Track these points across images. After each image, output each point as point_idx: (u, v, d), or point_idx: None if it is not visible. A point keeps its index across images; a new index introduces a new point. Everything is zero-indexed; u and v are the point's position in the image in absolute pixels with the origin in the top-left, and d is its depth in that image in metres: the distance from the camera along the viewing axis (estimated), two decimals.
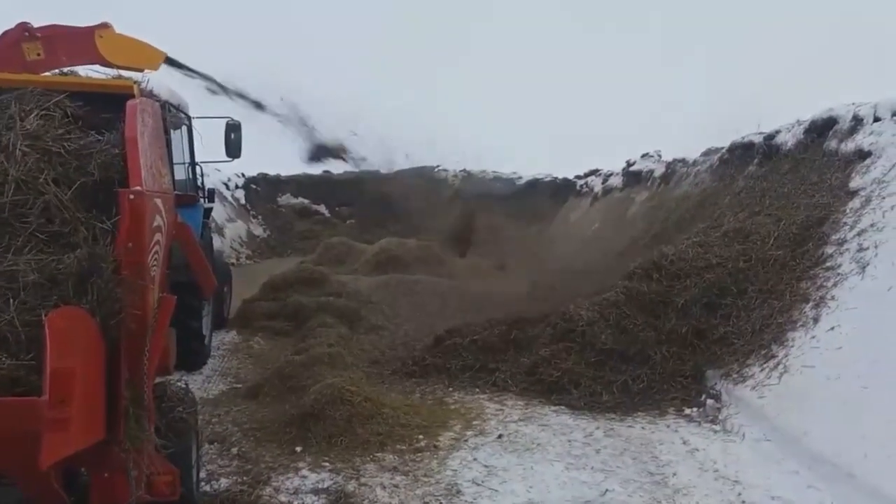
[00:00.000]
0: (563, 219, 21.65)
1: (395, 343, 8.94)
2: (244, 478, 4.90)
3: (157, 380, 3.69)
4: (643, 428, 6.05)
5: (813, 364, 5.67)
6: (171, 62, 8.07)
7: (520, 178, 26.38)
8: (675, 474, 5.05)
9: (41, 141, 3.34)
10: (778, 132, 10.17)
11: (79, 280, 2.83)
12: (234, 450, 5.43)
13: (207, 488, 4.65)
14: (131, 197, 2.98)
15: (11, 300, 2.69)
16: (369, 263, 14.19)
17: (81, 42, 7.18)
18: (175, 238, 4.16)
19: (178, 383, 4.16)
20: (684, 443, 5.66)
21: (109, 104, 3.92)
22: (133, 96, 4.07)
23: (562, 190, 24.56)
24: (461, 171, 27.01)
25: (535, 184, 25.64)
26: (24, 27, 6.96)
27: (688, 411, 6.36)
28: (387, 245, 14.89)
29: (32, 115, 3.51)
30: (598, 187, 20.47)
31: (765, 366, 6.17)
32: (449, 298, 11.24)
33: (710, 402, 6.37)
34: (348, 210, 26.59)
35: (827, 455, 4.78)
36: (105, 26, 7.35)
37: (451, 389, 7.14)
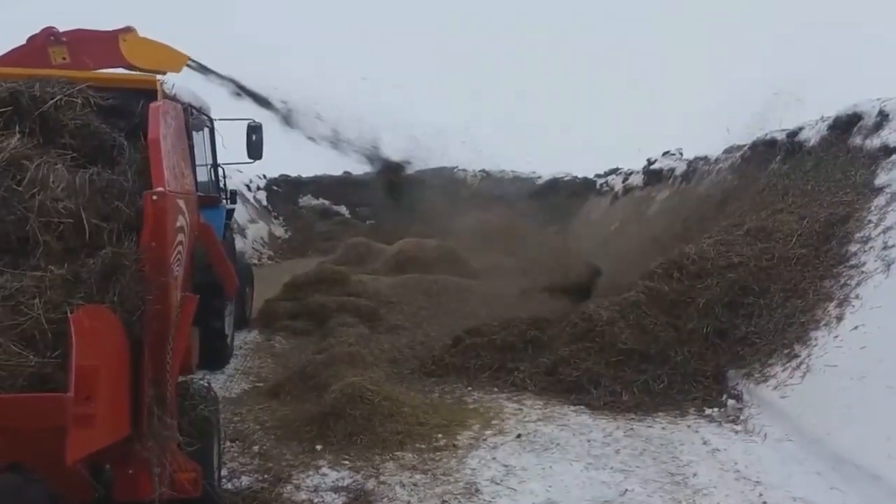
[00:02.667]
0: (584, 218, 21.57)
1: (414, 343, 8.97)
2: (265, 475, 4.94)
3: (181, 378, 3.74)
4: (663, 428, 6.02)
5: (836, 364, 5.61)
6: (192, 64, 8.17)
7: (539, 177, 26.32)
8: (695, 475, 5.01)
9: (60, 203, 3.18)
10: (801, 129, 10.05)
11: (102, 278, 2.88)
12: (256, 448, 5.49)
13: (229, 485, 4.70)
14: (154, 197, 3.03)
15: (38, 299, 2.74)
16: (389, 263, 14.24)
17: (106, 46, 7.30)
18: (198, 239, 4.21)
19: (201, 382, 4.22)
20: (705, 443, 5.62)
21: (133, 100, 3.98)
22: (156, 92, 4.12)
23: (582, 189, 24.48)
24: (480, 171, 27.01)
25: (554, 183, 25.57)
26: (49, 32, 7.09)
27: (709, 411, 6.32)
28: (406, 245, 14.93)
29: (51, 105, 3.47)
30: (618, 186, 20.39)
31: (787, 365, 6.11)
32: (468, 298, 11.24)
33: (731, 402, 6.32)
34: (368, 210, 26.70)
35: (850, 456, 4.71)
36: (129, 30, 7.47)
37: (470, 389, 7.15)
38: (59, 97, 3.67)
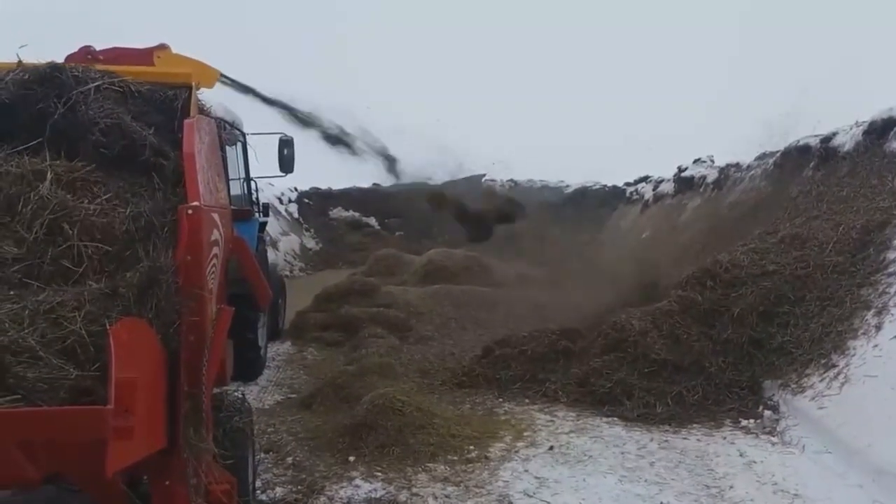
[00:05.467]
0: (614, 227, 21.42)
1: (444, 353, 8.98)
2: (299, 486, 4.98)
3: (215, 390, 3.78)
4: (698, 440, 5.94)
5: (875, 374, 5.49)
6: (224, 80, 8.28)
7: (567, 186, 26.22)
8: (731, 487, 4.93)
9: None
10: (835, 134, 9.90)
11: (140, 292, 2.92)
12: (289, 459, 5.52)
13: (263, 497, 4.73)
14: (189, 212, 3.07)
15: (78, 312, 2.79)
16: (418, 274, 14.29)
17: (141, 63, 7.43)
18: (231, 252, 4.26)
19: (235, 393, 4.26)
20: (741, 455, 5.53)
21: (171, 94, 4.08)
22: (190, 87, 4.20)
23: (611, 197, 24.34)
24: (508, 180, 27.01)
25: (583, 192, 25.46)
26: (86, 50, 7.24)
27: (744, 423, 6.22)
28: (435, 256, 14.97)
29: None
30: (648, 194, 20.23)
31: (825, 375, 5.99)
32: (497, 308, 11.22)
33: (767, 413, 6.22)
34: (397, 222, 26.83)
35: (892, 468, 4.60)
36: (163, 47, 7.60)
37: (501, 400, 7.12)
38: (99, 82, 3.75)
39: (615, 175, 24.98)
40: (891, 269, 6.48)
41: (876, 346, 5.76)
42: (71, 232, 3.13)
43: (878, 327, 5.93)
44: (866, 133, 9.03)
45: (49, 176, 3.29)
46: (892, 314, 5.92)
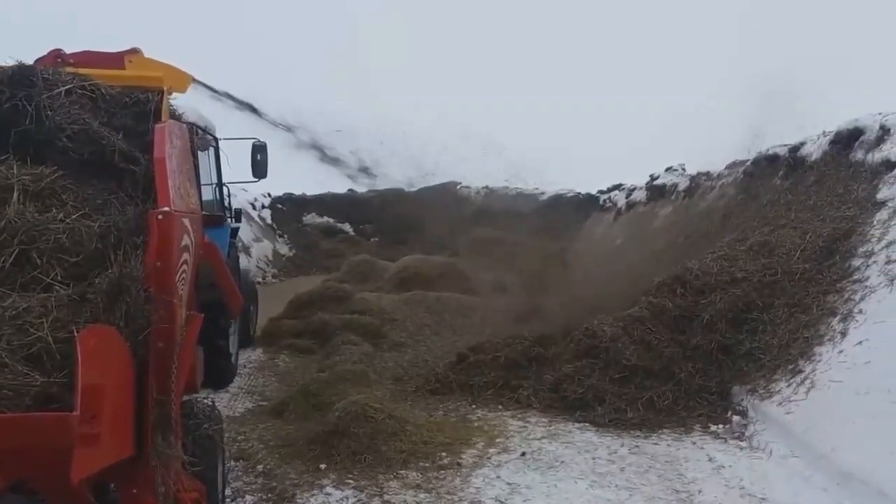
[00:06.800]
0: (587, 234, 21.58)
1: (417, 360, 8.97)
2: (269, 495, 4.95)
3: (185, 397, 3.75)
4: (668, 445, 6.01)
5: (841, 379, 5.60)
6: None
7: (542, 193, 26.36)
8: (700, 492, 5.00)
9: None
10: (803, 144, 10.07)
11: (108, 298, 2.90)
12: (260, 467, 5.48)
13: None
14: (159, 217, 3.05)
15: (45, 319, 2.76)
16: (392, 281, 14.25)
17: (111, 67, 7.36)
18: (202, 257, 4.23)
19: (205, 401, 4.22)
20: (710, 460, 5.61)
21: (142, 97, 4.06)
22: (162, 91, 4.18)
23: (585, 205, 24.51)
24: (483, 187, 27.11)
25: (558, 199, 25.60)
26: (56, 54, 7.15)
27: (714, 428, 6.30)
28: (410, 262, 14.95)
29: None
30: (621, 202, 20.39)
31: (792, 381, 6.09)
32: (472, 315, 11.24)
33: (736, 418, 6.31)
34: (372, 228, 26.77)
35: (856, 472, 4.70)
36: (134, 51, 7.53)
37: (473, 406, 7.14)
38: (70, 85, 3.72)
39: (589, 182, 25.16)
40: (856, 277, 6.61)
41: (841, 351, 5.87)
42: (40, 261, 3.09)
43: (844, 333, 6.05)
44: (832, 143, 9.19)
45: (15, 194, 3.24)
46: (857, 320, 6.04)
